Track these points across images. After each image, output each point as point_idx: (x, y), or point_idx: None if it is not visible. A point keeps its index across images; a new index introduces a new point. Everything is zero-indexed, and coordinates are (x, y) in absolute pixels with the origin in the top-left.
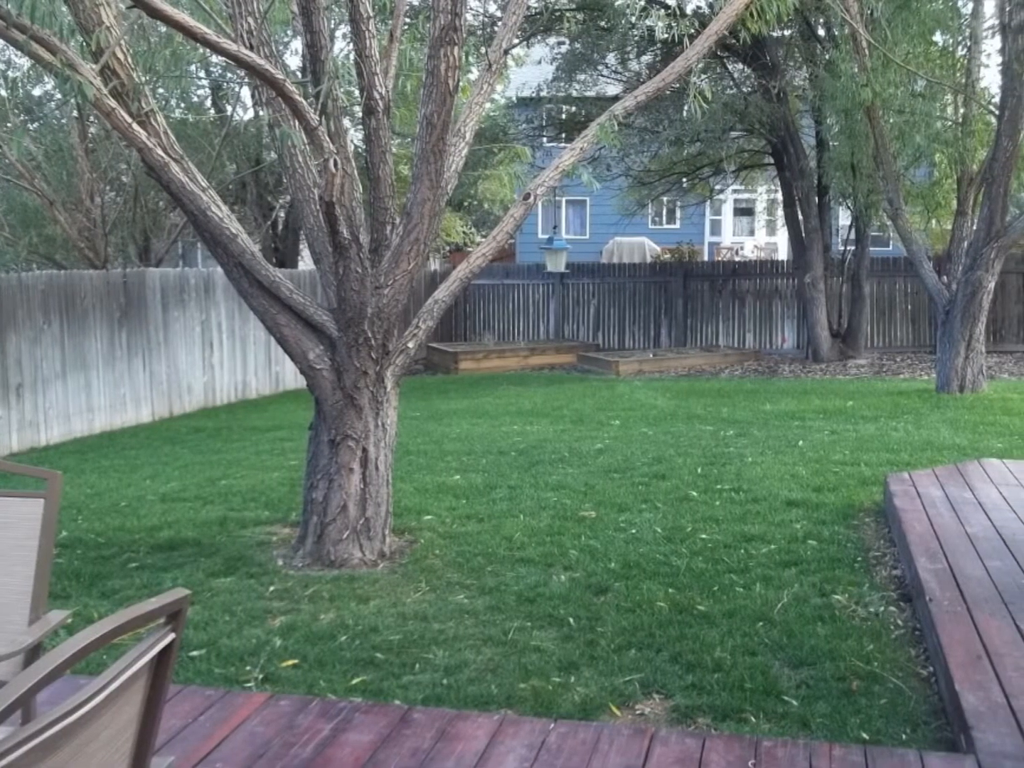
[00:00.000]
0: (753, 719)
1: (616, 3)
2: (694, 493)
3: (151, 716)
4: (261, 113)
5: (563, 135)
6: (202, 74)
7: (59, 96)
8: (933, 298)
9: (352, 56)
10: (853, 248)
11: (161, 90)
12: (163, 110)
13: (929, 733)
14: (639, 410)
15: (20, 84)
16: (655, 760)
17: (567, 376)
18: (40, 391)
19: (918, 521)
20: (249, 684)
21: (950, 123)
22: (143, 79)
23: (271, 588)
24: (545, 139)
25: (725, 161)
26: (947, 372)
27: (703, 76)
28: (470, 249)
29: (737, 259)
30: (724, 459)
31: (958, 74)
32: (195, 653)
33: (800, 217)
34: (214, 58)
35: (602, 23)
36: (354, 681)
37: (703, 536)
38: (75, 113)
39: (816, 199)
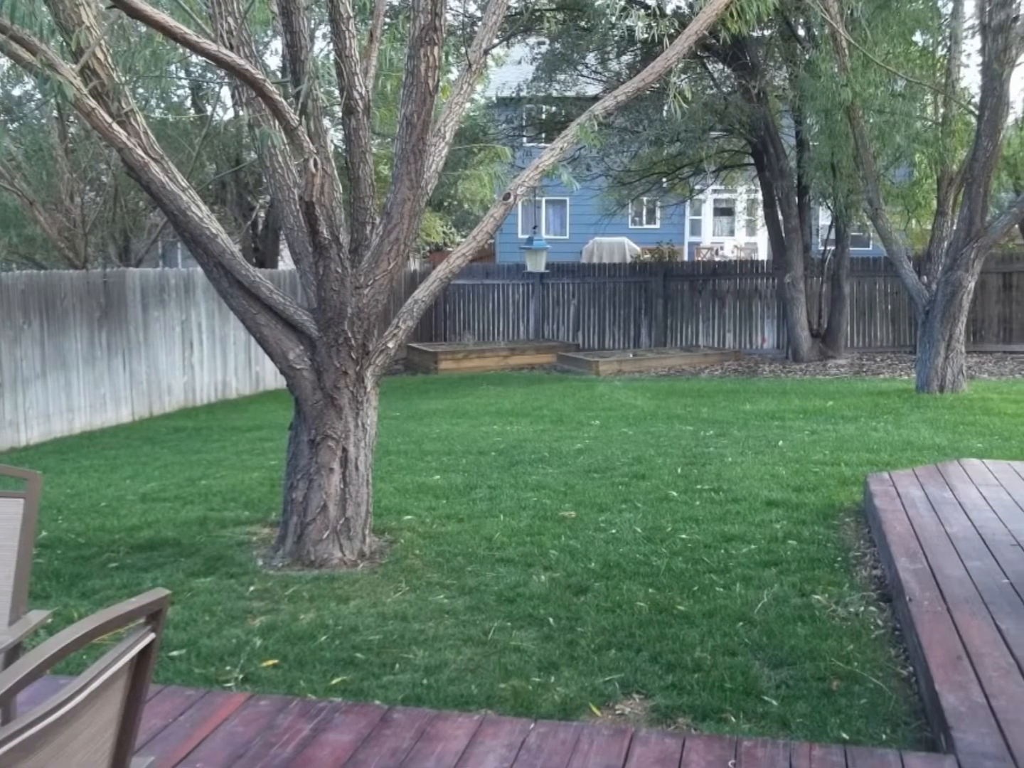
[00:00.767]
0: (733, 719)
1: (596, 3)
2: (674, 493)
3: (131, 716)
4: (241, 113)
5: (543, 135)
6: (182, 74)
7: (39, 96)
8: (913, 298)
9: (332, 56)
10: (833, 248)
11: (141, 90)
12: (143, 110)
13: (909, 733)
14: (619, 410)
15: (0, 84)
16: (635, 760)
17: (547, 376)
18: (20, 391)
19: (898, 521)
20: (229, 684)
21: (930, 123)
22: (123, 79)
23: (251, 588)
24: (525, 139)
25: (705, 161)
26: (927, 372)
27: (683, 76)
28: (450, 249)
29: (717, 259)
30: (704, 459)
31: (938, 74)
32: (175, 653)
33: (780, 217)
34: (194, 58)
35: (582, 23)
36: (334, 681)
37: (683, 536)
38: (55, 113)
39: (796, 199)
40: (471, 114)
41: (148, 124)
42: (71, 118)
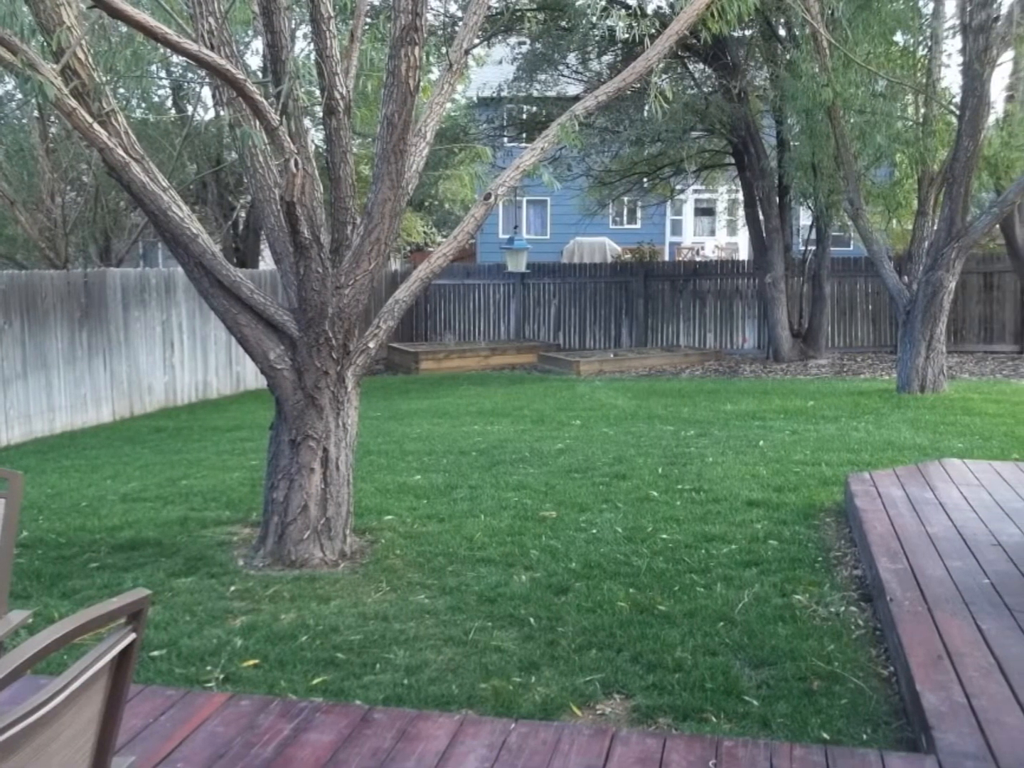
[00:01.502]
0: (714, 719)
1: (577, 3)
2: (655, 493)
3: (112, 716)
4: (222, 113)
5: (524, 135)
6: (163, 74)
7: (20, 96)
8: (894, 298)
9: (313, 56)
10: (814, 248)
11: (122, 90)
12: (124, 110)
13: (890, 733)
14: (600, 410)
15: None
16: (616, 760)
17: (528, 376)
18: (0, 391)
19: (879, 521)
20: (210, 684)
21: (911, 123)
22: (104, 79)
23: (232, 588)
24: (506, 139)
25: (686, 161)
26: (908, 372)
27: (664, 76)
28: (431, 249)
29: (698, 259)
30: (685, 459)
31: (919, 74)
32: (156, 653)
33: (761, 217)
34: (175, 58)
35: (563, 23)
36: (315, 681)
37: (664, 536)
38: (36, 113)
39: (777, 199)
40: (452, 114)
41: (129, 124)
42: (52, 118)
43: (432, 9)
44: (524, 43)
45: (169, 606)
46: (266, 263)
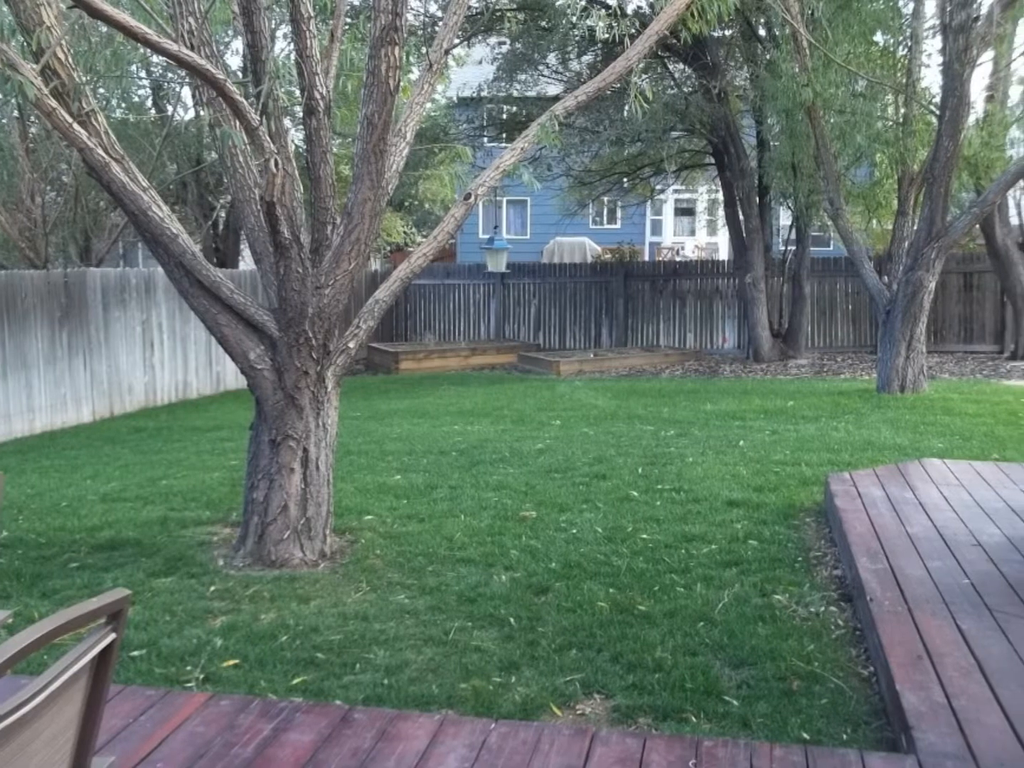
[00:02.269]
0: (694, 719)
1: (557, 3)
2: (635, 493)
3: (92, 716)
4: (202, 113)
5: (504, 135)
6: (143, 74)
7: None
8: (874, 298)
9: (293, 56)
10: (794, 248)
11: (102, 90)
12: (104, 110)
13: (870, 733)
14: (580, 410)
15: None
16: (596, 760)
17: (508, 376)
18: None
19: (859, 521)
20: (190, 684)
21: (891, 123)
22: (84, 79)
23: (212, 588)
24: (486, 139)
25: (666, 161)
26: (888, 372)
27: (644, 76)
28: (411, 249)
29: (678, 259)
30: (665, 459)
31: (899, 74)
32: (136, 653)
33: (741, 217)
34: (155, 58)
35: (543, 23)
36: (295, 681)
37: (644, 536)
38: (16, 113)
39: (757, 199)
40: (432, 114)
41: (109, 124)
42: (32, 118)
43: (412, 9)
44: (504, 43)
45: (149, 606)
46: (246, 263)
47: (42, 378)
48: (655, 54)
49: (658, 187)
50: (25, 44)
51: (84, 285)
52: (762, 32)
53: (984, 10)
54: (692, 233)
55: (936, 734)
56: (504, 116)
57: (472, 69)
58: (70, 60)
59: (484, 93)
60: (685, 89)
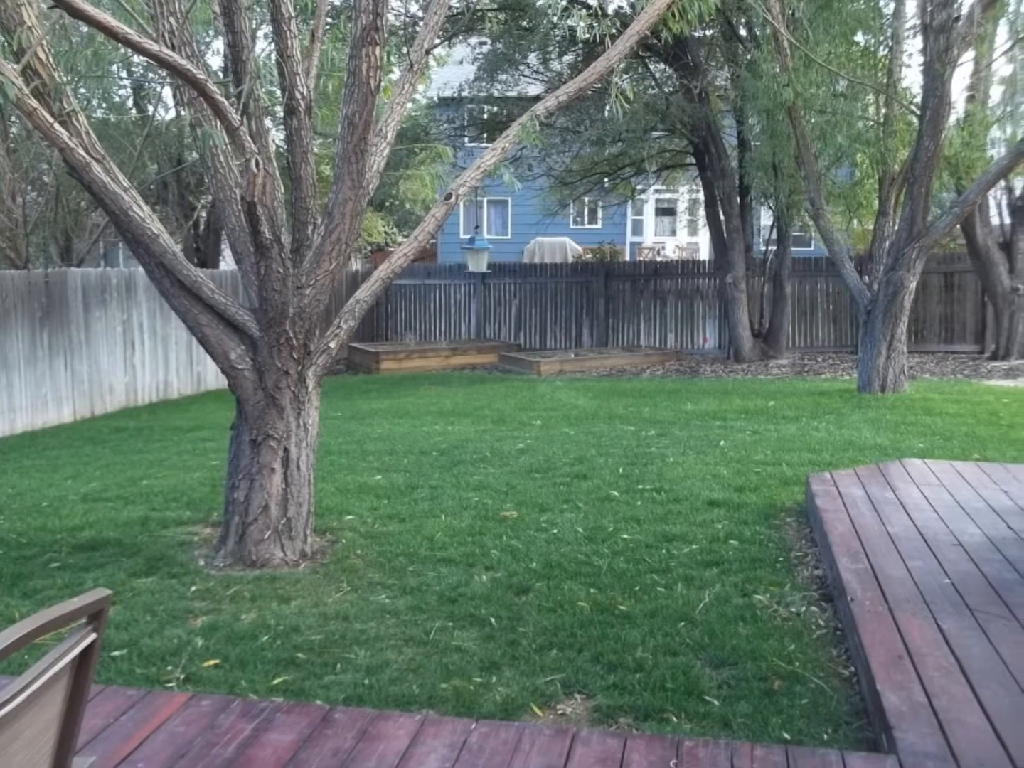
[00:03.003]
0: (675, 719)
1: (538, 3)
2: (616, 493)
3: (73, 716)
4: (183, 113)
5: (485, 135)
6: (124, 74)
7: None
8: (855, 298)
9: (274, 56)
10: (775, 248)
11: (83, 90)
12: (85, 110)
13: (851, 733)
14: (560, 410)
15: None
16: (576, 760)
17: (489, 376)
18: None
19: (840, 521)
20: (171, 684)
21: (872, 123)
22: (65, 79)
23: (192, 588)
24: (467, 139)
25: (647, 161)
26: (869, 372)
27: (625, 76)
28: (392, 249)
29: (659, 259)
30: (646, 459)
31: (880, 74)
32: (116, 653)
33: (722, 217)
34: (136, 58)
35: (524, 23)
36: (275, 681)
37: (625, 536)
38: None
39: (738, 199)
40: (413, 114)
41: (90, 124)
42: (13, 118)
43: (393, 9)
44: (485, 43)
45: (130, 606)
46: (227, 263)
47: (23, 378)
48: (636, 54)
49: (639, 187)
50: (6, 44)
51: (65, 285)
52: (743, 32)
53: (965, 10)
54: (673, 233)
55: (917, 734)
56: (485, 116)
57: (453, 69)
58: (51, 60)
59: (465, 93)
60: (666, 89)
